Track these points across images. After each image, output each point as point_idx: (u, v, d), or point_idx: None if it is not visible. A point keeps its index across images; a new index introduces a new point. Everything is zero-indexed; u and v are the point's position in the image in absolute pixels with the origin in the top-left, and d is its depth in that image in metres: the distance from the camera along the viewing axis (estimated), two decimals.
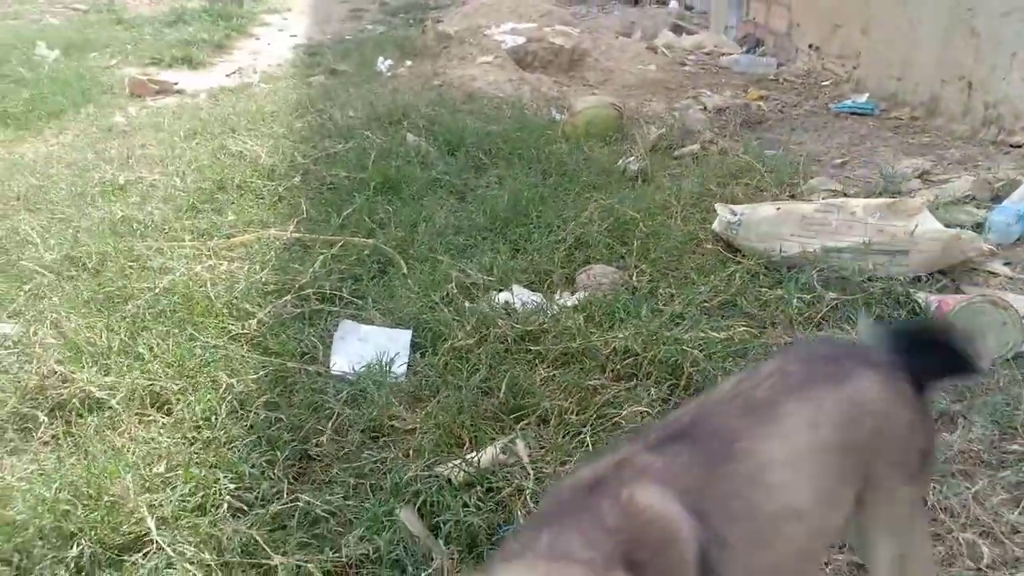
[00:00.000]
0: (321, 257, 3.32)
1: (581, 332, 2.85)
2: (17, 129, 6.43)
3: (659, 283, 3.28)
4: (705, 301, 3.14)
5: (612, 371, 2.72)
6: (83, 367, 2.62)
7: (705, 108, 6.28)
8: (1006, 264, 3.79)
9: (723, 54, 8.10)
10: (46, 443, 2.37)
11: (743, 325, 2.94)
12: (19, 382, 2.57)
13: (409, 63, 7.28)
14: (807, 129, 5.93)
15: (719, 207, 3.70)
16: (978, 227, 3.99)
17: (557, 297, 3.22)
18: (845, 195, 4.32)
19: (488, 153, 4.76)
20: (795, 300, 3.11)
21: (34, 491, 2.09)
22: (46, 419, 2.44)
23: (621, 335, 2.80)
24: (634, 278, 3.33)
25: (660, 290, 3.21)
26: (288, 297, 3.07)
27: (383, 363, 2.62)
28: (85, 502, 2.06)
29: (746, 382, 1.49)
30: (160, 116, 6.24)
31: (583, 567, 1.12)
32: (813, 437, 1.42)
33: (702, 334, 2.83)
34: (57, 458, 2.25)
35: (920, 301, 3.11)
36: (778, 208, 3.59)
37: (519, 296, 3.19)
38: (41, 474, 2.18)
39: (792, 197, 4.29)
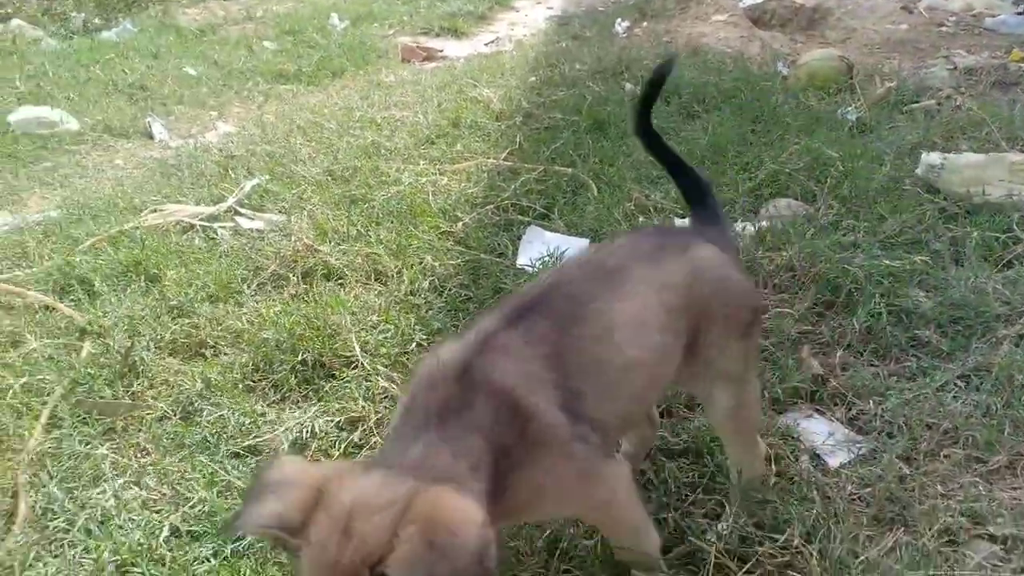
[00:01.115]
0: (523, 179, 3.75)
1: (747, 250, 3.01)
2: (307, 84, 7.66)
3: (844, 217, 3.30)
4: (890, 237, 3.13)
5: (771, 284, 2.86)
6: (327, 245, 3.27)
7: (955, 68, 5.86)
8: None
9: (992, 16, 7.38)
10: (293, 296, 3.03)
11: (924, 259, 2.91)
12: (279, 252, 3.27)
13: (645, 24, 7.51)
14: None
15: (926, 154, 3.59)
16: None
17: (737, 225, 3.37)
18: None
19: (701, 102, 4.91)
20: (989, 239, 3.01)
21: (279, 320, 2.73)
22: (295, 279, 3.11)
23: (785, 253, 2.92)
24: (820, 212, 3.38)
25: (843, 223, 3.24)
26: (490, 207, 3.55)
27: (556, 258, 2.98)
28: (313, 330, 2.66)
29: (598, 253, 1.65)
30: (421, 75, 7.07)
31: (449, 489, 1.20)
32: (657, 299, 1.56)
33: (873, 261, 2.86)
34: (298, 305, 2.90)
35: None
36: (987, 153, 3.43)
37: None
38: (286, 312, 2.82)
39: None
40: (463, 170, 4.10)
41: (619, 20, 7.70)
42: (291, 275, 3.13)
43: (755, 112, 4.69)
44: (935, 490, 1.96)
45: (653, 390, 1.72)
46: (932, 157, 3.51)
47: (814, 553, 1.68)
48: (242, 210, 3.81)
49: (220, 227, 3.60)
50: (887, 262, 2.82)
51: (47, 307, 2.94)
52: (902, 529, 1.82)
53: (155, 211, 3.81)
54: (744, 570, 1.67)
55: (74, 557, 1.83)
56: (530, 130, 4.64)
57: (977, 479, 2.00)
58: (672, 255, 1.65)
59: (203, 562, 1.84)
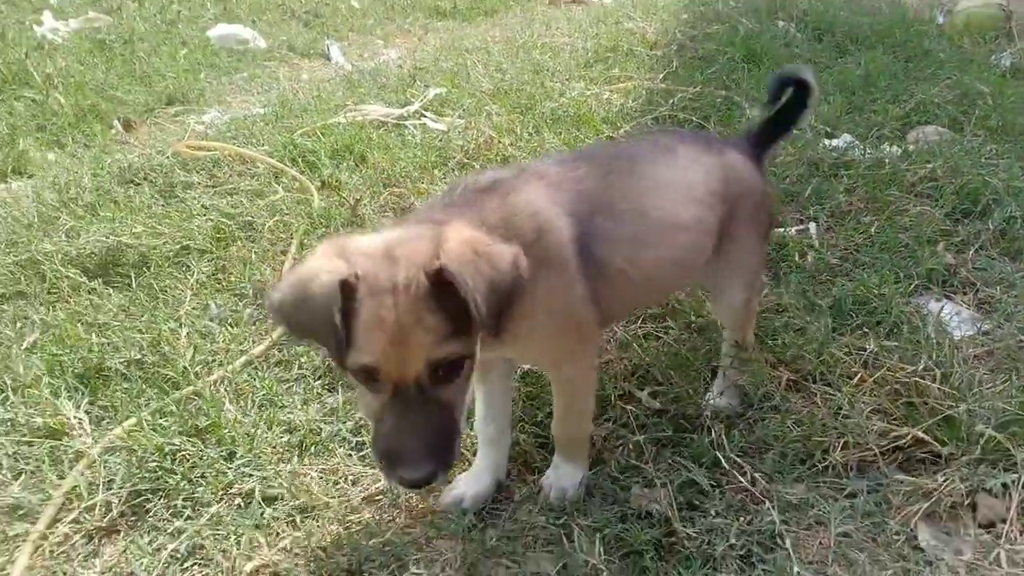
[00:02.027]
0: (679, 96, 4.10)
1: (892, 164, 3.27)
2: (462, 20, 8.19)
3: (988, 143, 3.49)
4: None
5: (913, 192, 3.12)
6: (503, 139, 3.74)
7: None
8: None
9: None
10: None
11: None
12: (464, 146, 3.76)
13: None
14: None
15: None
16: None
17: (884, 146, 3.61)
18: None
19: (854, 40, 5.07)
20: None
21: None
22: (476, 166, 3.59)
23: (929, 165, 3.17)
24: (966, 139, 3.57)
25: (987, 147, 3.43)
26: (649, 118, 3.91)
27: None
28: None
29: (651, 135, 1.86)
30: (571, 12, 7.43)
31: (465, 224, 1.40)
32: (701, 178, 1.78)
33: (1014, 173, 3.08)
34: None
35: None
36: None
37: (844, 140, 3.65)
38: None
39: None
40: (622, 88, 4.46)
41: None
42: (474, 164, 3.62)
43: (908, 52, 4.82)
44: None
45: (689, 266, 1.86)
46: None
47: (937, 375, 2.01)
48: (427, 113, 4.33)
49: (411, 123, 4.13)
50: (1014, 176, 3.03)
51: (276, 173, 3.54)
52: (1014, 374, 2.12)
53: (352, 111, 4.38)
54: (874, 378, 2.02)
55: None
56: (684, 59, 4.94)
57: None
58: (713, 153, 1.88)
59: None
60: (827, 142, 3.65)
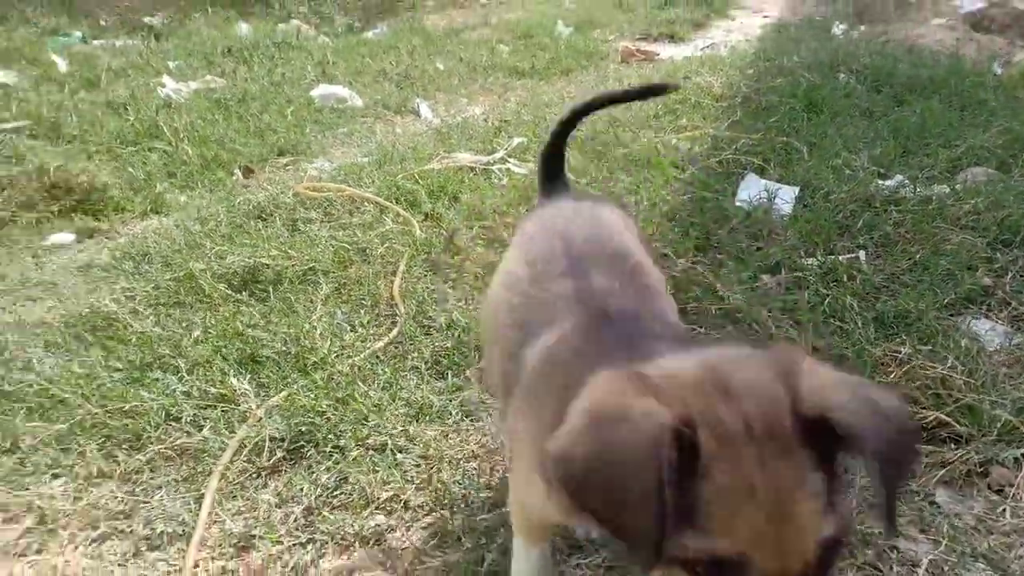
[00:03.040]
0: (742, 141, 4.49)
1: (938, 200, 3.58)
2: (539, 79, 8.79)
3: None
4: None
5: (957, 225, 3.41)
6: (580, 179, 4.19)
7: None
8: None
9: None
10: None
11: None
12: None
13: (863, 27, 7.90)
14: None
15: None
16: None
17: (933, 186, 3.92)
18: None
19: (911, 91, 5.39)
20: None
21: None
22: None
23: (972, 201, 3.47)
24: (1013, 179, 3.85)
25: None
26: (713, 160, 4.32)
27: (772, 196, 3.71)
28: None
29: (559, 217, 1.76)
30: (642, 70, 7.94)
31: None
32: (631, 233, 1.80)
33: None
34: None
35: None
36: None
37: (896, 180, 3.97)
38: None
39: None
40: (689, 136, 4.89)
41: (836, 23, 8.13)
42: None
43: (963, 101, 5.12)
44: None
45: None
46: None
47: (963, 371, 2.32)
48: (510, 159, 4.83)
49: (496, 168, 4.63)
50: None
51: (382, 210, 4.06)
52: None
53: (444, 158, 4.92)
54: (904, 370, 2.34)
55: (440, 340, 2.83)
56: (748, 109, 5.34)
57: None
58: (603, 207, 1.89)
59: None
60: (880, 182, 3.98)
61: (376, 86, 8.38)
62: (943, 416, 2.17)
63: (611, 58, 9.55)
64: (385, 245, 3.55)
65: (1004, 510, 1.90)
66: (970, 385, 2.30)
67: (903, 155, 4.31)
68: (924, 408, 2.21)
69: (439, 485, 2.02)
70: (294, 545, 1.91)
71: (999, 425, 2.13)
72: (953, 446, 2.13)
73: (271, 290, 3.18)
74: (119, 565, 1.88)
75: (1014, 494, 1.94)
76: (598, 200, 2.05)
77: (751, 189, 3.93)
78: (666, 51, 9.85)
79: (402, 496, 2.01)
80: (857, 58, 6.23)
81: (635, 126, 5.27)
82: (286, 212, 4.07)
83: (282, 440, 2.22)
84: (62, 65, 8.50)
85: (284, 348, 2.67)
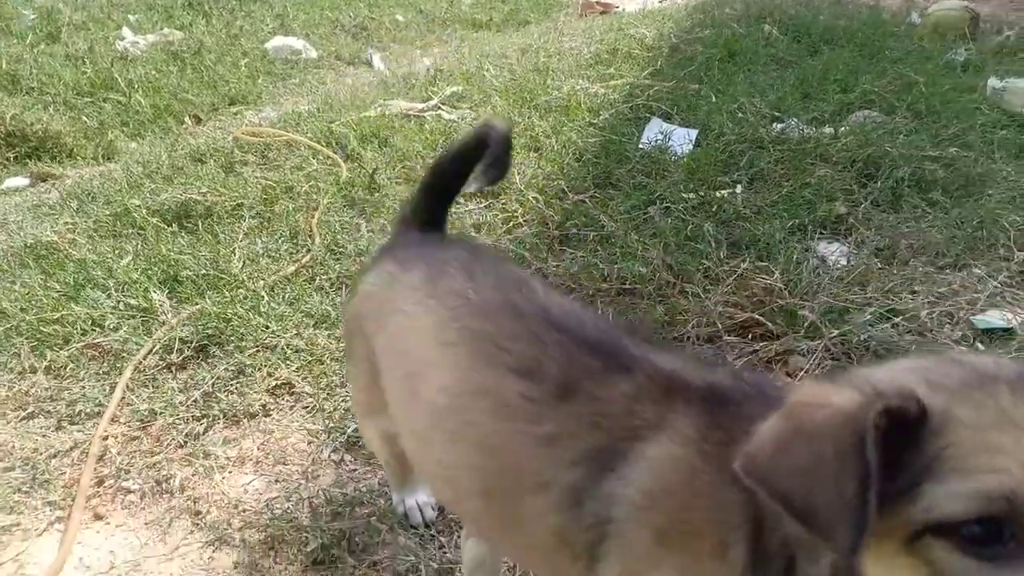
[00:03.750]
0: (655, 88, 4.80)
1: (817, 140, 3.92)
2: (496, 31, 9.02)
3: (911, 123, 4.11)
4: (944, 139, 3.92)
5: (830, 162, 3.76)
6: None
7: None
8: None
9: None
10: None
11: (957, 148, 3.71)
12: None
13: None
14: None
15: (992, 79, 4.29)
16: None
17: (825, 129, 4.25)
18: None
19: (828, 41, 5.70)
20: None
21: None
22: None
23: (844, 140, 3.82)
24: (894, 120, 4.19)
25: (907, 125, 4.05)
26: (625, 106, 4.63)
27: (667, 137, 4.04)
28: None
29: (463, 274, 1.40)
30: (593, 22, 8.18)
31: None
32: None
33: (909, 142, 3.71)
34: None
35: None
36: None
37: (790, 123, 4.30)
38: None
39: None
40: (612, 85, 5.19)
41: None
42: None
43: (873, 50, 5.43)
44: (895, 275, 2.88)
45: None
46: (994, 81, 4.21)
47: (787, 283, 2.69)
48: (443, 107, 5.13)
49: (428, 114, 4.93)
50: (919, 144, 3.65)
51: (314, 153, 4.36)
52: (862, 288, 2.77)
53: (381, 105, 5.20)
54: (733, 277, 2.71)
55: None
56: (673, 59, 5.64)
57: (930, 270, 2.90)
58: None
59: None
60: (775, 125, 4.31)
61: (332, 38, 8.59)
62: (758, 316, 2.54)
63: (571, 11, 9.77)
64: (310, 183, 3.87)
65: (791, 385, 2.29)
66: (791, 292, 2.67)
67: (804, 99, 4.63)
68: (744, 310, 2.58)
69: (320, 375, 2.39)
70: (191, 419, 2.28)
71: (806, 324, 2.51)
72: (765, 342, 2.51)
73: (200, 223, 3.50)
74: (43, 436, 2.24)
75: (802, 376, 2.32)
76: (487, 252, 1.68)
77: (652, 132, 4.26)
78: (625, 3, 10.06)
79: (288, 383, 2.38)
80: (784, 10, 6.51)
81: (565, 75, 5.56)
82: (224, 155, 4.37)
83: (191, 342, 2.57)
84: (29, 18, 8.63)
85: (204, 271, 3.01)
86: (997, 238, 3.01)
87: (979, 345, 2.42)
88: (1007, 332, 2.46)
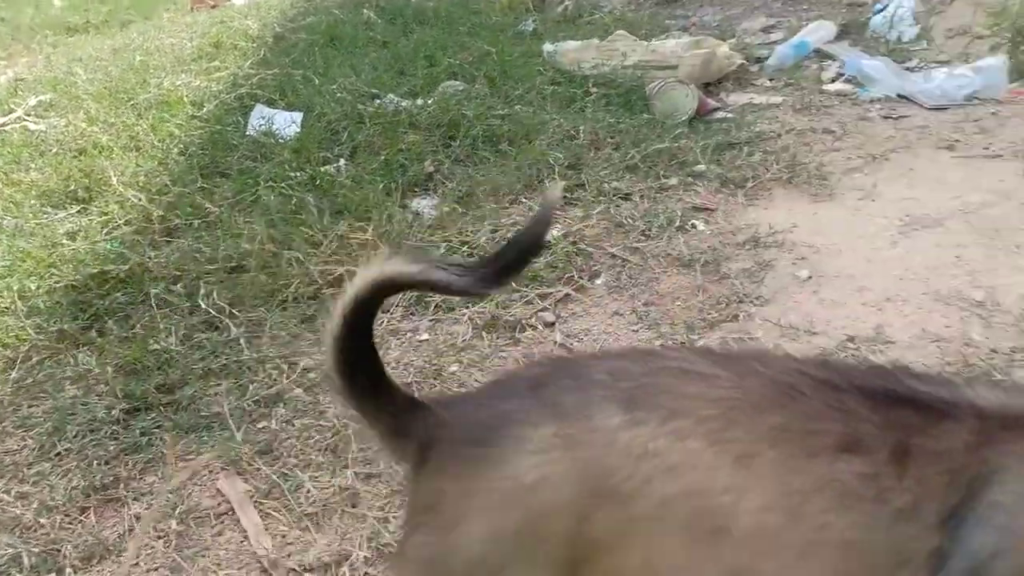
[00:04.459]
0: (259, 76, 4.92)
1: (408, 110, 4.33)
2: (94, 34, 8.42)
3: (487, 89, 4.70)
4: (513, 99, 4.55)
5: (421, 129, 4.18)
6: (93, 126, 4.30)
7: None
8: (770, 79, 5.03)
9: None
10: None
11: (521, 105, 4.36)
12: (59, 138, 4.27)
13: None
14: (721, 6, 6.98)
15: (546, 44, 5.07)
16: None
17: (417, 100, 4.68)
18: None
19: (420, 22, 6.22)
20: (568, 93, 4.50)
21: (59, 170, 3.78)
22: (72, 155, 4.13)
23: (431, 108, 4.27)
24: (473, 88, 4.76)
25: (482, 91, 4.63)
26: (230, 96, 4.69)
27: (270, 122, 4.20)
28: (84, 175, 3.74)
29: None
30: (198, 18, 7.97)
31: None
32: None
33: (480, 106, 4.27)
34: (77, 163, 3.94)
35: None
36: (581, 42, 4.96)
37: (389, 99, 4.68)
38: (61, 167, 3.87)
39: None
40: (213, 77, 5.18)
41: None
42: (69, 152, 4.16)
43: (458, 26, 6.05)
44: (470, 216, 3.35)
45: None
46: (547, 46, 4.98)
47: (377, 235, 3.02)
48: (28, 118, 4.74)
49: (11, 127, 4.54)
50: (492, 105, 4.23)
51: None
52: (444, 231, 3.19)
53: None
54: (338, 236, 2.98)
55: None
56: (277, 48, 5.77)
57: (496, 207, 3.42)
58: None
59: None
60: (374, 101, 4.66)
61: None
62: (354, 268, 2.83)
63: (180, 7, 9.37)
64: None
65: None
66: (386, 243, 3.01)
67: (399, 76, 5.05)
68: (342, 265, 2.86)
69: None
70: None
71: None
72: None
73: None
74: None
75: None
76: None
77: (256, 119, 4.38)
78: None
79: None
80: None
81: (164, 71, 5.42)
82: None
83: None
84: None
85: None
86: (547, 174, 3.63)
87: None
88: (548, 245, 3.05)
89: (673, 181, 3.70)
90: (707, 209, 3.45)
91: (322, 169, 3.81)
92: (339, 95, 4.64)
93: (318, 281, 2.83)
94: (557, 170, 3.64)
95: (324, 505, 1.95)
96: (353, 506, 1.94)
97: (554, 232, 3.16)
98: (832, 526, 1.01)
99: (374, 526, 1.87)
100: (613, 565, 1.05)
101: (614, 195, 3.54)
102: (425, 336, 2.61)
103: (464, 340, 2.57)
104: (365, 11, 6.51)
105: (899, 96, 4.51)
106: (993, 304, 2.57)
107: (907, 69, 4.89)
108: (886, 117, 4.29)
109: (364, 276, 1.12)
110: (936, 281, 2.73)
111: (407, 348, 2.55)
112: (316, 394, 2.36)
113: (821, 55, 5.31)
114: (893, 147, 3.83)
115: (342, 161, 3.93)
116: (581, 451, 1.04)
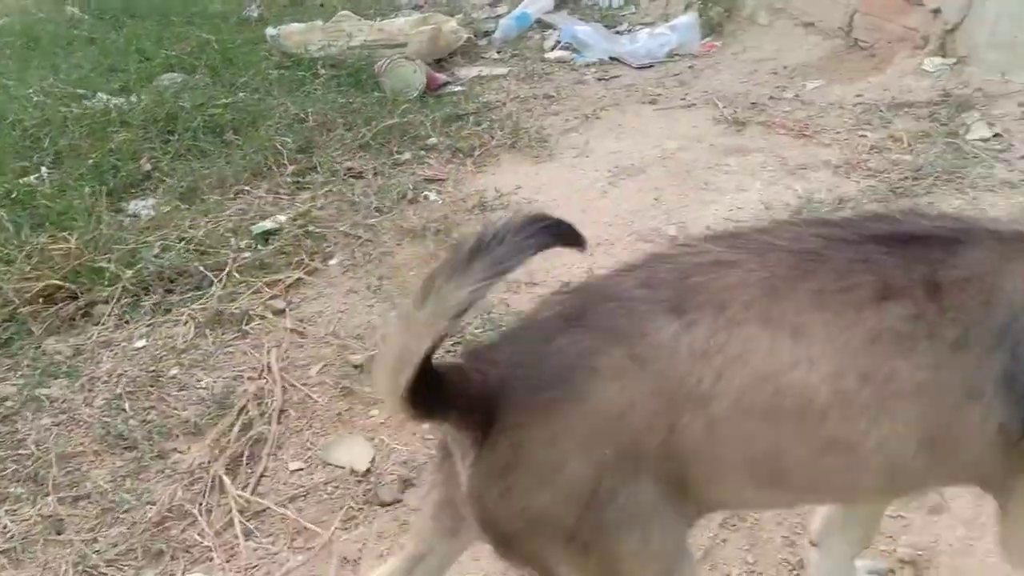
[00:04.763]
0: None
1: (116, 108, 4.02)
2: None
3: (210, 78, 4.47)
4: (238, 86, 4.36)
5: (130, 125, 3.90)
6: None
7: None
8: (498, 51, 5.22)
9: None
10: None
11: (245, 92, 4.20)
12: None
13: None
14: None
15: (269, 28, 4.93)
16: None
17: (131, 97, 4.35)
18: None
19: (132, 15, 5.79)
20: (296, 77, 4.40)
21: None
22: None
23: (143, 104, 4.00)
24: (194, 79, 4.51)
25: (204, 81, 4.41)
26: None
27: None
28: None
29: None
30: None
31: None
32: None
33: (206, 96, 4.07)
34: None
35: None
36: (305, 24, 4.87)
37: (99, 96, 4.31)
38: None
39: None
40: None
41: None
42: None
43: (176, 17, 5.70)
44: (192, 211, 3.19)
45: None
46: (270, 30, 4.83)
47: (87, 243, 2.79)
48: None
49: None
50: (212, 97, 4.04)
51: None
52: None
53: None
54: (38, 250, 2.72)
55: None
56: None
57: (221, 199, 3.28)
58: None
59: None
60: (82, 102, 4.27)
61: None
62: (58, 281, 2.60)
63: None
64: None
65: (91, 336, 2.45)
66: (94, 251, 2.78)
67: (109, 72, 4.67)
68: (41, 280, 2.61)
69: None
70: None
71: (107, 275, 2.66)
72: (69, 301, 2.59)
73: None
74: None
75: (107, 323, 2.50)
76: None
77: None
78: None
79: None
80: None
81: None
82: None
83: None
84: None
85: None
86: (275, 160, 3.54)
87: (260, 247, 2.89)
88: (277, 232, 2.98)
89: (406, 156, 3.75)
90: (439, 180, 3.53)
91: (21, 181, 3.46)
92: (36, 99, 4.23)
93: (14, 300, 2.57)
94: (286, 155, 3.55)
95: (25, 537, 1.78)
96: (58, 533, 1.79)
97: (280, 218, 3.09)
98: (901, 372, 1.03)
99: (81, 550, 1.74)
100: (714, 467, 1.07)
101: (346, 175, 3.53)
102: (141, 343, 2.45)
103: (185, 340, 2.44)
104: (68, 7, 5.96)
105: (611, 59, 4.86)
106: (685, 237, 2.85)
107: (616, 32, 5.28)
108: (600, 79, 4.61)
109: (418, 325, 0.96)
110: (638, 223, 2.99)
111: (120, 359, 2.39)
112: (14, 423, 2.14)
113: (543, 25, 5.59)
114: (604, 106, 4.13)
115: (44, 169, 3.58)
116: (651, 366, 1.03)
